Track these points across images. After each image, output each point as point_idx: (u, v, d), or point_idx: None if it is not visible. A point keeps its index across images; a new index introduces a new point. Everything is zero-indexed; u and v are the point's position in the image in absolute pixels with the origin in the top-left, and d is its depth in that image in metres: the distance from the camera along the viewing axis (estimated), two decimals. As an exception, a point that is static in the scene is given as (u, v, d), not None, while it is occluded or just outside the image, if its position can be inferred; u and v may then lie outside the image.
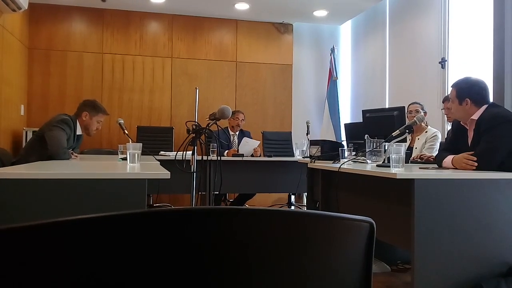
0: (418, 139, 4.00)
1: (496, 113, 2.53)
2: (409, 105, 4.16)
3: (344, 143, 4.62)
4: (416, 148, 3.96)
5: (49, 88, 5.99)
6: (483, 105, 2.60)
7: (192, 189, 2.59)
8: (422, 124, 3.90)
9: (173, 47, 6.42)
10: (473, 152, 2.48)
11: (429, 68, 5.00)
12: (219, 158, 2.60)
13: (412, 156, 3.66)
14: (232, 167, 4.55)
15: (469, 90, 2.62)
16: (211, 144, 4.53)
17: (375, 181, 2.57)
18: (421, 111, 4.06)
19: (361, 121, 3.80)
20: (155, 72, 6.35)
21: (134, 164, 2.56)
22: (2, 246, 0.49)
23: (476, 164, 2.41)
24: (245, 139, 5.16)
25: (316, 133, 6.42)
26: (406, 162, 2.89)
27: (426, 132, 3.99)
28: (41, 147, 3.28)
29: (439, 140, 3.94)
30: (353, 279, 0.66)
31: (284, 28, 6.82)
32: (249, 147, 5.01)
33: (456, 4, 4.76)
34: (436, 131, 4.00)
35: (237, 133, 5.48)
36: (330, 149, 3.79)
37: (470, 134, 2.67)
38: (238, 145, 5.27)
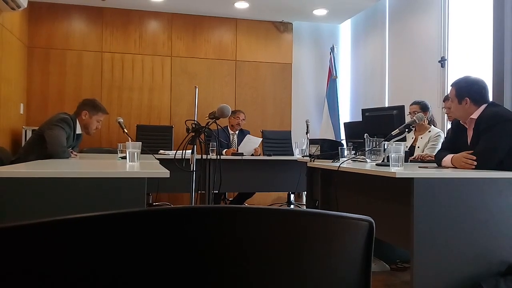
0: (421, 138, 3.99)
1: (496, 112, 2.53)
2: (410, 105, 4.15)
3: (344, 142, 4.62)
4: (418, 147, 3.95)
5: (48, 87, 5.98)
6: (483, 104, 2.60)
7: (191, 188, 2.59)
8: (424, 123, 3.89)
9: (172, 45, 6.41)
10: (472, 151, 2.49)
11: (429, 67, 4.99)
12: (218, 157, 2.60)
13: (414, 156, 3.65)
14: (232, 166, 4.55)
15: (468, 89, 2.62)
16: (210, 143, 4.54)
17: (375, 180, 2.57)
18: (419, 111, 4.04)
19: (361, 120, 3.80)
20: (155, 70, 6.35)
21: (134, 163, 2.56)
22: (2, 245, 0.49)
23: (475, 163, 2.41)
24: (248, 136, 5.13)
25: (316, 132, 6.42)
26: (406, 161, 2.88)
27: (430, 131, 3.97)
28: (40, 146, 3.27)
29: (442, 140, 3.92)
30: (352, 277, 0.66)
31: (283, 27, 6.81)
32: (251, 144, 4.98)
33: (456, 3, 4.75)
34: (439, 131, 3.98)
35: (236, 132, 5.48)
36: (330, 148, 3.80)
37: (470, 133, 2.66)
38: (237, 145, 5.26)
